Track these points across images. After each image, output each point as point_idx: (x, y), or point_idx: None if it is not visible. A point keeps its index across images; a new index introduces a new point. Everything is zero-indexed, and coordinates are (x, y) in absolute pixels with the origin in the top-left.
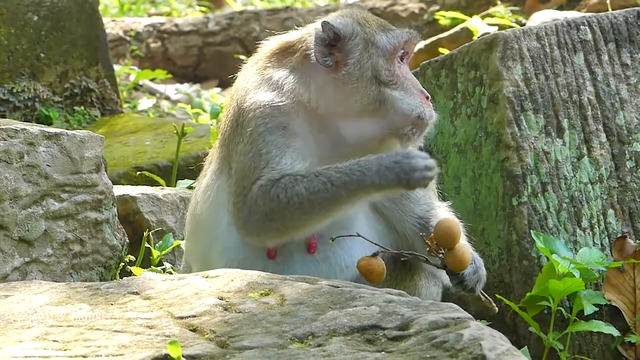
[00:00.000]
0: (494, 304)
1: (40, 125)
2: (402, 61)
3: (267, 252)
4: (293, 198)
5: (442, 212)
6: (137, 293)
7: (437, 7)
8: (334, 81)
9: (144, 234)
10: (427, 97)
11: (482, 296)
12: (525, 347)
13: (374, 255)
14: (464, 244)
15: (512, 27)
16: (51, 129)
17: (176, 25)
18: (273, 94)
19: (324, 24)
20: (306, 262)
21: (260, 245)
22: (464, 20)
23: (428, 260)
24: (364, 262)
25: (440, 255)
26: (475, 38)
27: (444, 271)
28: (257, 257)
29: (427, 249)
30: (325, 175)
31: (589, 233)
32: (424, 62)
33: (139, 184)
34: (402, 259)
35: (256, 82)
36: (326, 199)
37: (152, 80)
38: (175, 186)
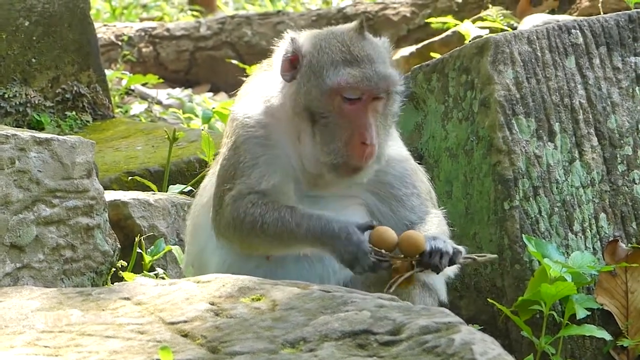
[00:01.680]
0: (486, 256)
1: (31, 130)
2: (352, 100)
3: None
4: (247, 217)
5: (435, 220)
6: (128, 298)
7: (428, 11)
8: (290, 95)
9: (136, 239)
10: (365, 143)
11: (468, 260)
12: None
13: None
14: (415, 232)
15: (503, 30)
16: (42, 135)
17: (168, 30)
18: (257, 105)
19: (291, 38)
20: (300, 262)
21: (229, 247)
22: (455, 24)
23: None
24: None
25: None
26: (466, 42)
27: (442, 286)
28: (251, 258)
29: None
30: (283, 213)
31: (580, 237)
32: (415, 66)
33: (130, 189)
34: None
35: (247, 91)
36: (275, 234)
37: (144, 85)
38: (166, 191)
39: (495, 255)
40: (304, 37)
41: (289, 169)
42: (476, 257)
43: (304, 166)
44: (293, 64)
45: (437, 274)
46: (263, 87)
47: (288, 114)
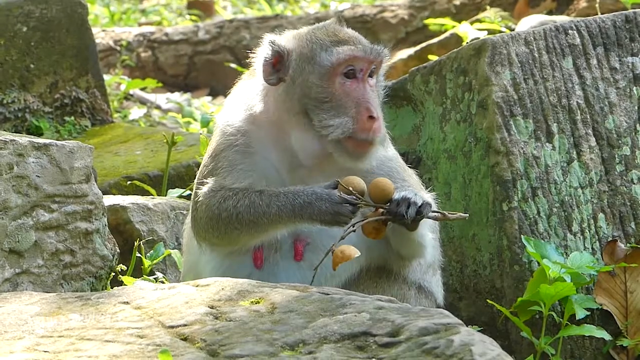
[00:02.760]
0: (457, 213)
1: (29, 136)
2: (350, 78)
3: (253, 260)
4: (222, 213)
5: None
6: (127, 303)
7: (426, 13)
8: (278, 97)
9: (135, 244)
10: (372, 117)
11: (437, 215)
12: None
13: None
14: (385, 179)
15: (501, 32)
16: (40, 140)
17: (166, 34)
18: (238, 113)
19: (269, 42)
20: (292, 270)
21: (211, 249)
22: (453, 26)
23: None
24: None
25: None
26: (464, 44)
27: (439, 289)
28: (242, 266)
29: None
30: (253, 198)
31: (579, 237)
32: (413, 69)
33: (129, 194)
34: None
35: (230, 100)
36: (251, 220)
37: (142, 89)
38: (165, 195)
39: (467, 215)
40: (285, 38)
41: (270, 173)
42: (447, 213)
43: (290, 167)
44: (276, 67)
45: (407, 226)
46: (245, 95)
47: (271, 119)
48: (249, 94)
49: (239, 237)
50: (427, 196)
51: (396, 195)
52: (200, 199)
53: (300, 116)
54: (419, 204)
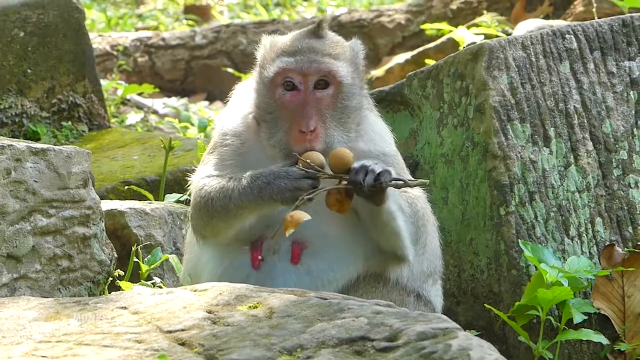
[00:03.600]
0: (418, 180)
1: (27, 141)
2: (290, 90)
3: (251, 261)
4: (202, 200)
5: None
6: (125, 308)
7: (423, 18)
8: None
9: (132, 249)
10: (302, 131)
11: (398, 182)
12: None
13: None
14: (344, 149)
15: (498, 36)
16: (38, 145)
17: (163, 39)
18: (234, 114)
19: (262, 44)
20: (289, 273)
21: (203, 241)
22: (450, 31)
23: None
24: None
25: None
26: (461, 48)
27: (439, 299)
28: (240, 267)
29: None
30: (223, 183)
31: (577, 241)
32: (410, 73)
33: (127, 199)
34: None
35: (231, 98)
36: (222, 206)
37: (139, 94)
38: (163, 200)
39: (427, 181)
40: (268, 39)
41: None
42: (406, 180)
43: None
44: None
45: (368, 197)
46: (241, 96)
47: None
48: (245, 94)
49: (218, 225)
50: (410, 194)
51: (355, 164)
52: (191, 190)
53: (257, 124)
54: (377, 171)
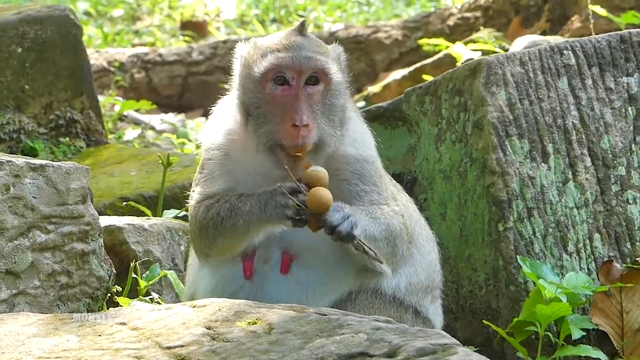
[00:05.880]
0: (376, 256)
1: (25, 157)
2: (281, 85)
3: (243, 271)
4: (209, 222)
5: (385, 210)
6: (124, 323)
7: (420, 34)
8: (232, 104)
9: (131, 265)
10: (295, 124)
11: (362, 246)
12: None
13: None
14: (324, 192)
15: (495, 52)
16: (36, 161)
17: (160, 55)
18: (216, 126)
19: (237, 50)
20: (279, 283)
21: (205, 260)
22: (447, 47)
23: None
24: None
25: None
26: (458, 64)
27: (439, 318)
28: (234, 277)
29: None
30: (233, 202)
31: (575, 257)
32: (408, 89)
33: (125, 215)
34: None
35: (212, 113)
36: (232, 224)
37: (136, 110)
38: (161, 216)
39: (381, 258)
40: (245, 44)
41: (248, 180)
42: (366, 249)
43: (266, 173)
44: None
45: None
46: (223, 109)
47: (240, 128)
48: (227, 106)
49: (224, 243)
50: (386, 212)
51: (326, 216)
52: (190, 212)
53: (242, 123)
54: (343, 234)
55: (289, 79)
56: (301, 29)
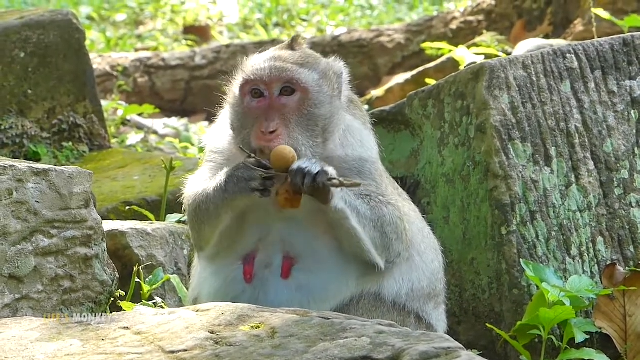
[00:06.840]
0: (353, 181)
1: (28, 161)
2: (257, 97)
3: (243, 275)
4: (190, 215)
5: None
6: (128, 328)
7: (423, 38)
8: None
9: (134, 269)
10: (263, 131)
11: (334, 182)
12: None
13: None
14: (287, 147)
15: (498, 56)
16: (39, 165)
17: (163, 59)
18: (218, 130)
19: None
20: (280, 288)
21: (199, 255)
22: (450, 51)
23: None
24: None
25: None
26: (461, 68)
27: (442, 323)
28: (236, 281)
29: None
30: (206, 186)
31: (578, 261)
32: (411, 93)
33: (128, 219)
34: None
35: (217, 119)
36: (205, 209)
37: (139, 115)
38: (164, 220)
39: (360, 183)
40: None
41: None
42: (342, 180)
43: None
44: None
45: (309, 194)
46: (226, 115)
47: None
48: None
49: (207, 232)
50: (380, 199)
51: (294, 165)
52: (185, 207)
53: (232, 136)
54: (314, 172)
55: (263, 90)
56: (291, 44)
